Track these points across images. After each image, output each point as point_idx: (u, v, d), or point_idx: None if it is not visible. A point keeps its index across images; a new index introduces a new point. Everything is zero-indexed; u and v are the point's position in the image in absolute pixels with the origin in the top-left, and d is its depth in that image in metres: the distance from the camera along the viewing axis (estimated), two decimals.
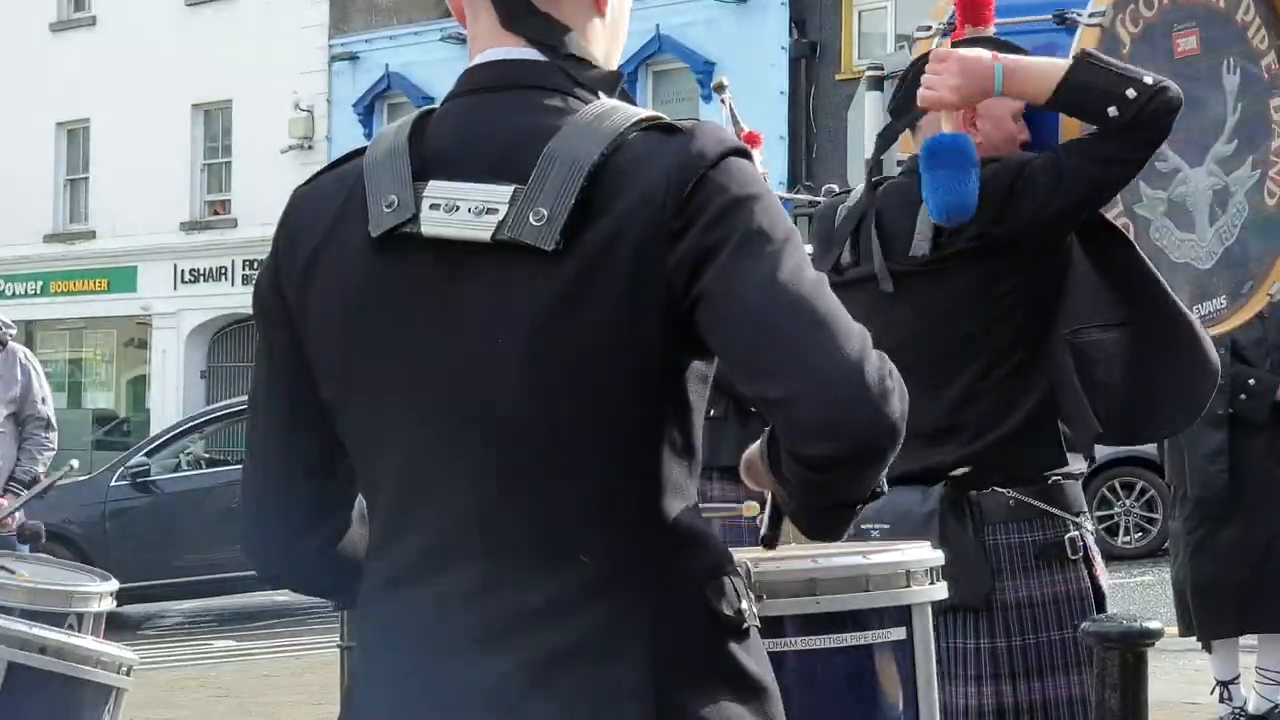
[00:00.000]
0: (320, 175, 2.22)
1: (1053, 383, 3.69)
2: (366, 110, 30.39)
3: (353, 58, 30.93)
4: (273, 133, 31.00)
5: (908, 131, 3.86)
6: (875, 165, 3.96)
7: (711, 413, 6.29)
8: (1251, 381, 6.52)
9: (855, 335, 1.97)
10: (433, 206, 2.06)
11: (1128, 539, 14.81)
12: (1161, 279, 3.67)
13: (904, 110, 3.80)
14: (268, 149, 30.76)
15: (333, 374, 2.15)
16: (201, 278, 32.28)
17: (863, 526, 3.63)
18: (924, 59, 3.77)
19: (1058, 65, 3.52)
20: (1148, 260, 3.70)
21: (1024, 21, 3.88)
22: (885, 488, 2.04)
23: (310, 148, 30.59)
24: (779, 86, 25.86)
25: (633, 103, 2.17)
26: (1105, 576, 3.80)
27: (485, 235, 2.03)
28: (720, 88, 7.75)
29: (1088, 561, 3.75)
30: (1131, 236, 3.88)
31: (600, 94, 2.15)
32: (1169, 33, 3.99)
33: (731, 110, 7.46)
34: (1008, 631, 3.68)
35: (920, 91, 3.58)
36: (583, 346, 2.02)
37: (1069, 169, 3.56)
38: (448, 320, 2.06)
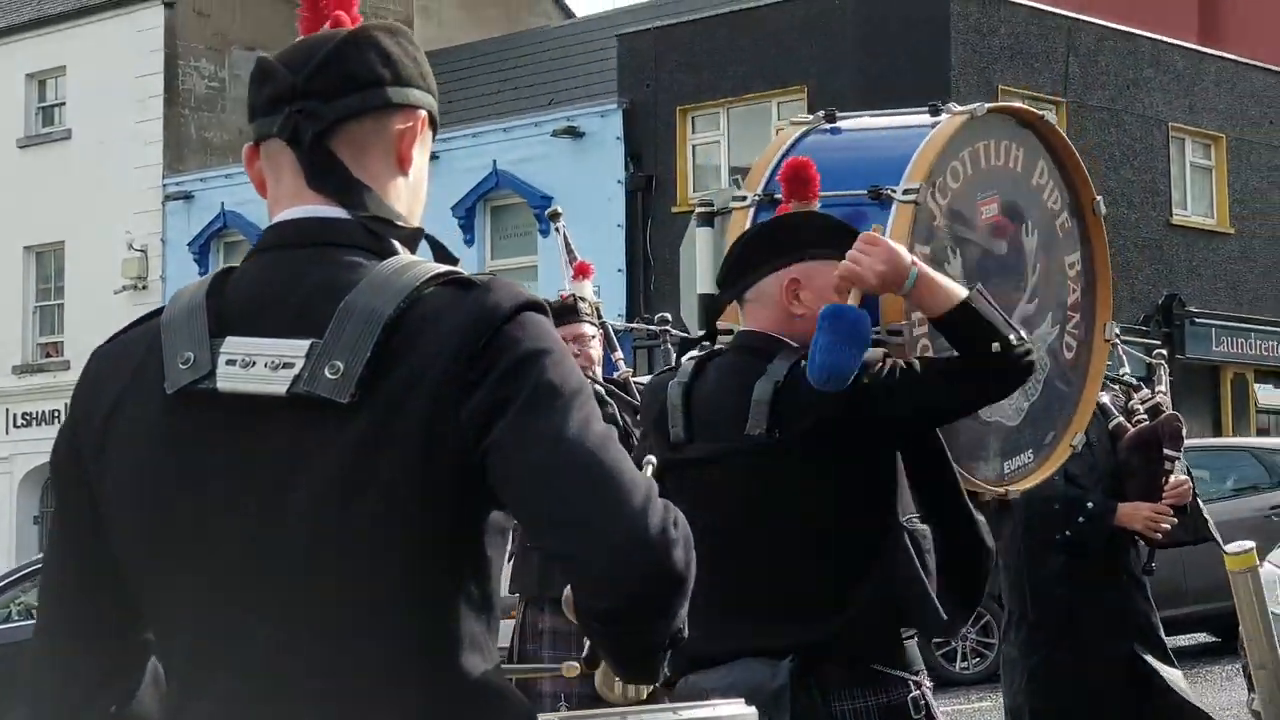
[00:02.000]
0: (120, 334, 2.23)
1: (894, 569, 3.68)
2: (202, 250, 30.19)
3: (187, 197, 30.75)
4: (106, 273, 30.68)
5: (736, 306, 3.88)
6: (706, 337, 3.96)
7: None
8: (1089, 505, 6.57)
9: (639, 488, 2.01)
10: (229, 362, 2.07)
11: (965, 665, 14.88)
12: (964, 490, 3.78)
13: (731, 283, 3.84)
14: (101, 290, 30.42)
15: (128, 534, 2.13)
16: (34, 421, 31.74)
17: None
18: (755, 232, 3.82)
19: (957, 288, 3.60)
20: (956, 467, 3.80)
21: (839, 195, 3.96)
22: (686, 633, 2.04)
23: (144, 288, 30.31)
24: (616, 219, 26.05)
25: (447, 250, 2.21)
26: None
27: (281, 390, 2.04)
28: (554, 216, 7.85)
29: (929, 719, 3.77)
30: None
31: (402, 250, 2.18)
32: (974, 202, 4.12)
33: (565, 239, 7.54)
34: None
35: (844, 265, 3.60)
36: (377, 500, 2.02)
37: (925, 383, 3.62)
38: (243, 477, 2.06)
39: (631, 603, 1.97)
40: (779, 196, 3.93)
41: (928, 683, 3.80)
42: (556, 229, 7.68)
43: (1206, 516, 7.02)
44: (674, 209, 25.08)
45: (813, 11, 25.10)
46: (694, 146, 26.10)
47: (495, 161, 27.22)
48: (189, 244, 30.35)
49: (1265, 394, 28.67)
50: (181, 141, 31.52)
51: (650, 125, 26.23)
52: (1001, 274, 4.16)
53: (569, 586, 2.16)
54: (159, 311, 2.18)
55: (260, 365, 2.05)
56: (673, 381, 3.88)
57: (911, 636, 3.81)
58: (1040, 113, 4.33)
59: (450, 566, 2.06)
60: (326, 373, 2.02)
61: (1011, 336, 3.57)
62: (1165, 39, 27.72)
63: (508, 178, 27.21)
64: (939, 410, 3.70)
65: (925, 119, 4.10)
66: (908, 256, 3.60)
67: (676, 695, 3.58)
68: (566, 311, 6.88)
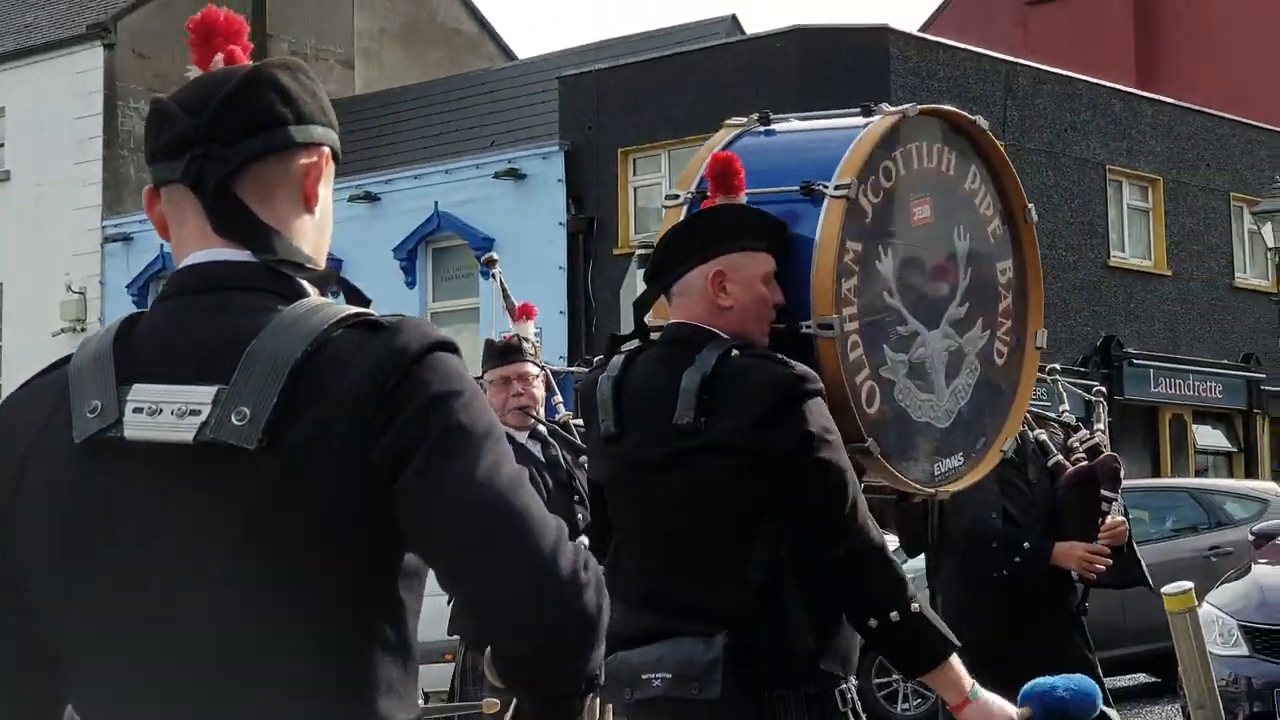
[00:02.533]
0: (32, 380, 2.20)
1: (788, 597, 3.67)
2: (141, 292, 30.01)
3: (126, 239, 30.57)
4: (45, 315, 30.46)
5: (663, 298, 3.88)
6: (636, 331, 3.96)
7: None
8: (1026, 545, 6.58)
9: (549, 530, 1.99)
10: (136, 410, 2.05)
11: (906, 705, 14.84)
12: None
13: (659, 277, 3.85)
14: (40, 332, 30.18)
15: (40, 584, 2.10)
16: None
17: (644, 677, 3.64)
18: (678, 227, 3.84)
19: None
20: (887, 466, 3.84)
21: (772, 192, 3.97)
22: (602, 679, 2.04)
23: (83, 330, 30.08)
24: (557, 261, 26.04)
25: (359, 292, 2.18)
26: None
27: (188, 437, 2.01)
28: (490, 263, 7.85)
29: (855, 714, 3.76)
30: (878, 399, 4.00)
31: (311, 291, 2.16)
32: (906, 202, 4.13)
33: (502, 285, 7.52)
34: None
35: None
36: (289, 546, 2.00)
37: (839, 480, 3.62)
38: (152, 526, 2.03)
39: (542, 648, 1.97)
40: (709, 192, 3.95)
41: (854, 682, 3.78)
42: (493, 275, 7.68)
43: (1140, 559, 7.06)
44: (615, 251, 25.12)
45: (753, 54, 25.24)
46: (635, 188, 26.15)
47: (437, 203, 27.18)
48: (128, 286, 30.17)
49: (1203, 435, 28.88)
50: (121, 183, 31.36)
51: (592, 167, 26.27)
52: (932, 275, 4.19)
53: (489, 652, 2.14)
54: (70, 358, 2.16)
55: (167, 413, 2.03)
56: (603, 375, 3.88)
57: (839, 636, 3.78)
58: (973, 118, 4.34)
59: (364, 612, 2.04)
60: (233, 419, 2.00)
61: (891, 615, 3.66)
62: (1103, 82, 27.99)
63: (449, 219, 27.18)
64: (825, 513, 3.66)
65: (858, 119, 4.12)
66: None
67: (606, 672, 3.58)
68: (511, 351, 6.89)
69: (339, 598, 2.02)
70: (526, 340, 7.00)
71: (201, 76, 2.22)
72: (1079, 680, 3.71)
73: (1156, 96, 29.31)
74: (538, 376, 6.94)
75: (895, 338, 4.06)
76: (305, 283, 2.16)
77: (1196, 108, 29.30)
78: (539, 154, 26.91)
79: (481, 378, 6.80)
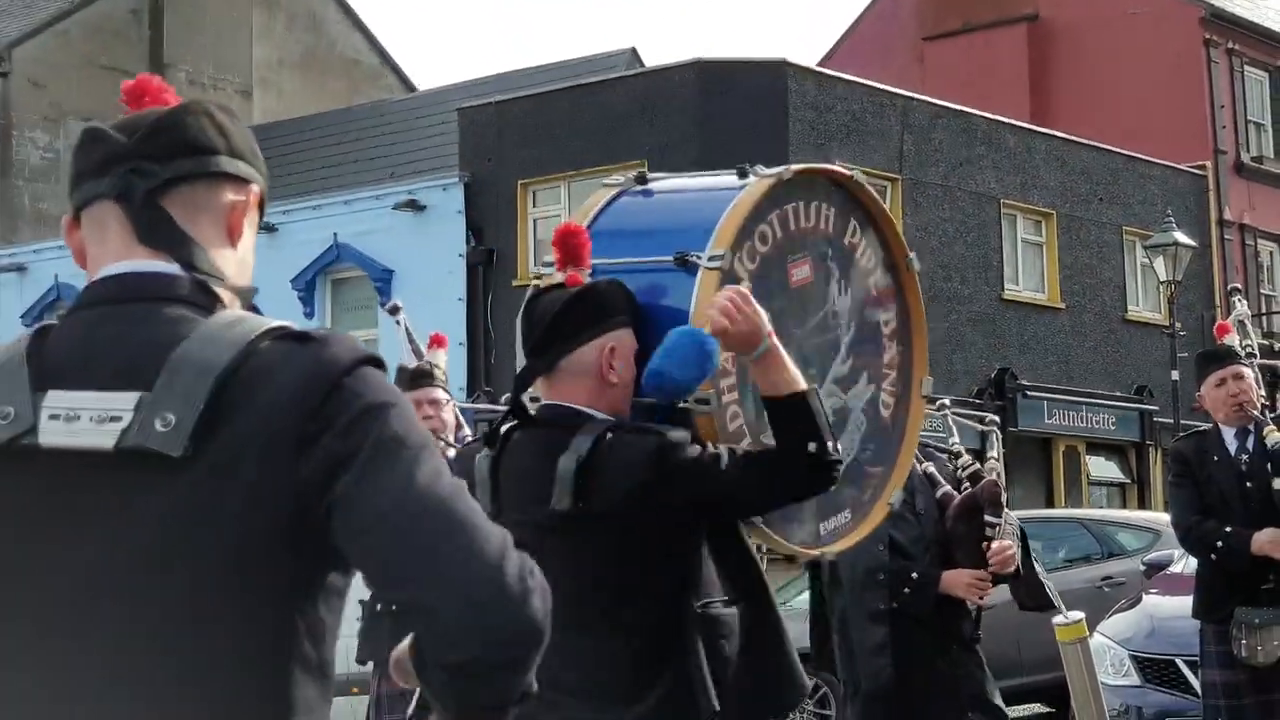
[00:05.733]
0: None
1: (689, 656, 3.67)
2: (35, 322, 29.44)
3: (20, 269, 30.23)
4: None
5: (541, 378, 3.85)
6: (513, 410, 3.89)
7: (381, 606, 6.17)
8: (914, 575, 6.61)
9: (494, 537, 1.97)
10: (52, 417, 2.02)
11: None
12: (763, 572, 3.82)
13: (545, 351, 3.80)
14: None
15: None
16: None
17: None
18: (569, 301, 3.76)
19: (800, 377, 3.69)
20: (753, 551, 3.83)
21: (646, 262, 3.95)
22: (535, 689, 2.03)
23: None
24: (457, 293, 25.97)
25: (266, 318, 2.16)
26: None
27: (109, 444, 1.98)
28: (395, 310, 7.89)
29: None
30: None
31: (231, 305, 2.15)
32: (784, 264, 4.10)
33: (407, 330, 7.57)
34: None
35: (720, 310, 3.64)
36: (209, 557, 1.97)
37: (733, 470, 3.64)
38: (69, 534, 2.00)
39: (486, 653, 1.94)
40: (555, 263, 3.92)
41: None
42: (397, 322, 7.72)
43: (1045, 581, 7.09)
44: (515, 282, 25.07)
45: (652, 86, 25.31)
46: (535, 220, 26.12)
47: (336, 234, 27.05)
48: (22, 316, 29.80)
49: (1097, 466, 29.16)
50: (15, 213, 31.05)
51: (491, 199, 26.23)
52: (813, 336, 4.16)
53: (403, 644, 2.14)
54: None
55: (85, 419, 2.00)
56: (480, 455, 3.87)
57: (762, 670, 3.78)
58: (850, 172, 4.31)
59: (284, 628, 2.01)
60: (157, 425, 1.97)
61: (829, 443, 3.65)
62: (998, 117, 28.25)
63: (349, 250, 27.05)
64: (739, 500, 3.73)
65: (734, 180, 4.07)
66: (767, 326, 3.65)
67: None
68: (422, 376, 6.94)
69: (258, 613, 1.99)
70: (437, 367, 7.06)
71: (137, 112, 2.24)
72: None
73: (1050, 131, 29.63)
74: (448, 402, 6.98)
75: None
76: (226, 297, 2.16)
77: (1089, 142, 29.64)
78: (439, 185, 26.85)
79: None
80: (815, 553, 4.21)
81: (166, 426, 1.97)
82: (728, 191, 4.02)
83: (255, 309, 2.20)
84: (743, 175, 4.07)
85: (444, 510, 1.98)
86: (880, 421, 4.36)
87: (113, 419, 1.99)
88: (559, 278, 3.87)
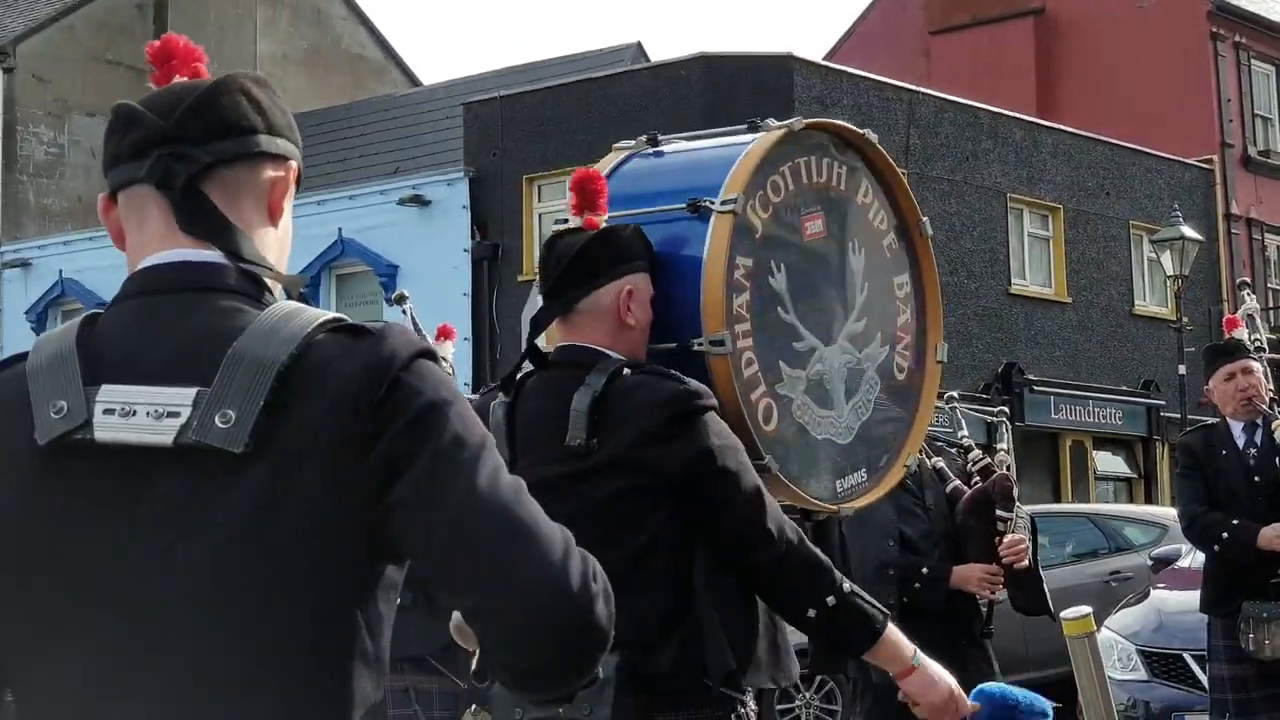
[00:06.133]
0: None
1: (725, 597, 3.65)
2: (40, 318, 29.71)
3: (25, 264, 30.27)
4: None
5: (557, 321, 3.83)
6: (529, 354, 3.90)
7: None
8: (924, 570, 6.58)
9: (557, 541, 1.95)
10: (107, 411, 1.98)
11: None
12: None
13: (563, 292, 3.79)
14: None
15: None
16: None
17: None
18: (587, 242, 3.76)
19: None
20: (790, 485, 3.81)
21: (658, 211, 3.94)
22: (602, 674, 2.01)
23: None
24: (462, 288, 25.99)
25: (316, 306, 2.12)
26: None
27: (167, 440, 1.95)
28: (401, 299, 7.90)
29: None
30: (775, 416, 3.93)
31: (280, 296, 2.12)
32: (798, 215, 4.09)
33: (414, 320, 7.56)
34: None
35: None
36: (276, 555, 1.95)
37: (757, 500, 3.58)
38: (127, 533, 1.97)
39: (554, 659, 1.94)
40: (571, 207, 3.91)
41: (754, 706, 3.74)
42: (404, 311, 7.72)
43: (1045, 589, 7.07)
44: (520, 278, 25.08)
45: (658, 81, 25.30)
46: (540, 215, 26.13)
47: (341, 229, 27.07)
48: (26, 312, 29.87)
49: (1103, 461, 29.15)
50: (19, 208, 31.05)
51: (496, 194, 26.24)
52: (828, 290, 4.14)
53: (459, 616, 2.12)
54: (19, 357, 2.09)
55: (142, 414, 1.97)
56: (495, 402, 3.83)
57: (767, 649, 3.76)
58: (861, 131, 4.30)
59: (347, 623, 2.00)
60: (217, 421, 1.94)
61: (815, 608, 3.62)
62: (1004, 111, 28.25)
63: (353, 246, 27.07)
64: (742, 541, 3.63)
65: (745, 136, 4.08)
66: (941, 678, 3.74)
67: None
68: None
69: (323, 609, 1.97)
70: (445, 360, 7.04)
71: (169, 85, 2.19)
72: (1033, 694, 3.70)
73: (1057, 125, 29.63)
74: None
75: (791, 354, 4.00)
76: (273, 286, 2.13)
77: (1096, 136, 29.64)
78: (444, 180, 26.86)
79: None
80: (832, 508, 4.13)
81: (227, 423, 1.94)
82: (738, 145, 4.03)
83: (305, 299, 2.17)
84: (753, 129, 4.09)
85: (506, 515, 1.95)
86: (895, 384, 4.33)
87: (170, 414, 1.96)
88: (576, 222, 3.84)
